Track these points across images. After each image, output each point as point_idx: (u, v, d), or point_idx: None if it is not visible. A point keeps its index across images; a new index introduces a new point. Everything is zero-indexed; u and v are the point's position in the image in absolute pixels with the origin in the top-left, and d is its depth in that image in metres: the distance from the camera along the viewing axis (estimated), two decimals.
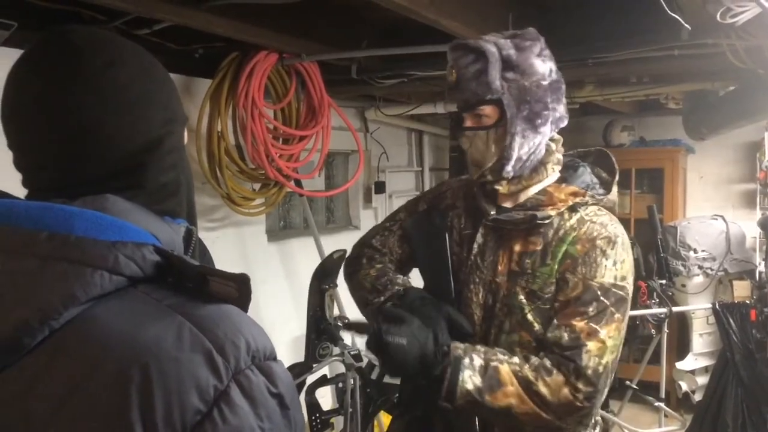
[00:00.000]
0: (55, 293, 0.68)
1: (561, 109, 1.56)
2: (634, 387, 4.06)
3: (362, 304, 1.73)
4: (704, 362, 4.68)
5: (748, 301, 3.87)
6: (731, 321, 3.73)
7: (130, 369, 0.65)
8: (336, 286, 3.26)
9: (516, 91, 1.49)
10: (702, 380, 4.55)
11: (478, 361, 1.43)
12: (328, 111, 3.25)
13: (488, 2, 2.43)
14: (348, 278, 1.81)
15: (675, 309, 3.95)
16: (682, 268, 4.66)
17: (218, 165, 3.01)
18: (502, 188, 1.56)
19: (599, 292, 1.46)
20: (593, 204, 1.56)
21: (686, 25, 2.08)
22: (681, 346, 4.88)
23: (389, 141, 4.72)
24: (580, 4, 2.59)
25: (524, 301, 1.51)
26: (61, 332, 0.68)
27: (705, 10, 1.97)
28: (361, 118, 4.48)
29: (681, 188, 5.22)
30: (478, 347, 1.47)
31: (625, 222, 5.22)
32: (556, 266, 1.50)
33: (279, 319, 3.55)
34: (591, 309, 1.45)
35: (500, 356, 1.45)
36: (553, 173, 1.59)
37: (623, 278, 1.49)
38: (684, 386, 4.71)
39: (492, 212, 1.58)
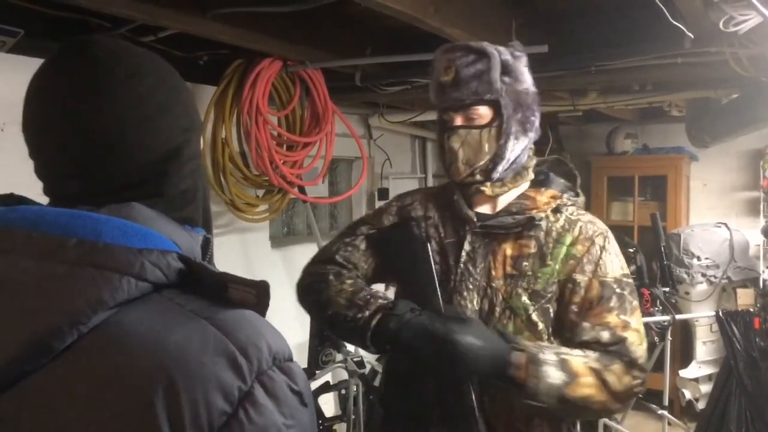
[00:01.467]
0: (84, 298, 0.69)
1: (539, 119, 1.64)
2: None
3: (337, 322, 1.60)
4: (708, 370, 4.67)
5: (751, 309, 3.86)
6: (735, 329, 3.72)
7: (157, 373, 0.67)
8: None
9: (512, 94, 1.56)
10: (705, 388, 4.54)
11: (551, 356, 1.45)
12: (332, 118, 3.26)
13: (492, 10, 2.44)
14: (314, 297, 1.67)
15: (678, 317, 3.93)
16: (685, 276, 4.65)
17: (222, 171, 3.02)
18: (487, 189, 1.60)
19: (615, 286, 1.54)
20: (571, 205, 1.63)
21: (689, 34, 2.08)
22: (684, 354, 4.87)
23: (393, 148, 4.73)
24: (583, 12, 2.60)
25: (528, 302, 1.54)
26: (89, 336, 0.69)
27: (707, 19, 1.98)
28: (365, 125, 4.49)
29: (684, 196, 5.22)
30: (538, 342, 1.50)
31: (628, 229, 5.26)
32: (557, 267, 1.55)
33: (282, 325, 3.53)
34: (613, 303, 1.53)
35: (563, 349, 1.49)
36: (530, 178, 1.66)
37: (625, 267, 1.59)
38: (687, 394, 4.70)
39: (475, 220, 1.60)
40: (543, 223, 1.58)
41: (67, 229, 0.73)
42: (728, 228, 4.71)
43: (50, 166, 0.82)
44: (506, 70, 1.55)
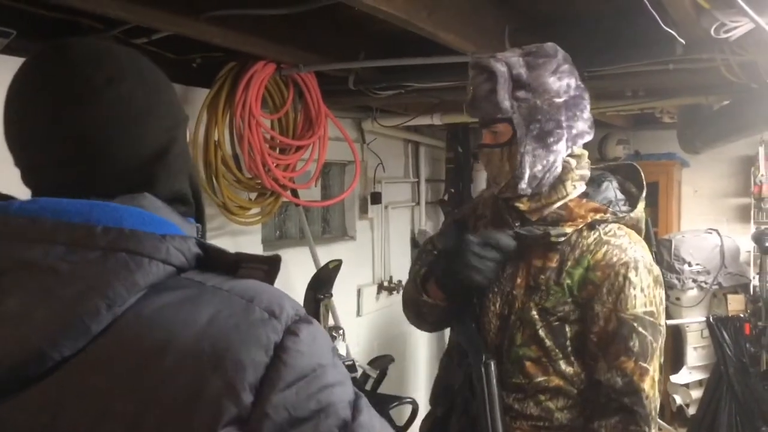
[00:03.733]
0: (120, 281, 0.71)
1: (580, 126, 1.56)
2: None
3: (414, 286, 1.75)
4: (698, 376, 4.68)
5: (742, 315, 3.88)
6: (725, 335, 3.74)
7: (198, 344, 0.70)
8: (331, 296, 3.25)
9: (526, 110, 1.50)
10: (696, 394, 4.55)
11: None
12: (325, 121, 3.26)
13: (485, 16, 2.44)
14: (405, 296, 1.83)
15: (669, 322, 3.94)
16: (676, 282, 4.66)
17: (215, 174, 3.01)
18: (522, 205, 1.57)
19: (635, 324, 1.48)
20: (613, 222, 1.55)
21: (681, 40, 2.09)
22: (675, 360, 4.88)
23: (386, 152, 4.72)
24: (576, 17, 2.61)
25: (536, 317, 1.53)
26: (123, 318, 0.71)
27: (699, 26, 1.99)
28: (358, 128, 4.48)
29: (675, 202, 5.24)
30: None
31: None
32: (575, 289, 1.51)
33: None
34: (632, 344, 1.48)
35: None
36: (574, 190, 1.58)
37: (651, 303, 1.51)
38: (678, 400, 4.71)
39: (516, 224, 1.59)
40: (573, 237, 1.53)
41: (90, 217, 0.74)
42: (719, 234, 4.74)
43: (36, 169, 0.81)
44: (520, 84, 1.49)
